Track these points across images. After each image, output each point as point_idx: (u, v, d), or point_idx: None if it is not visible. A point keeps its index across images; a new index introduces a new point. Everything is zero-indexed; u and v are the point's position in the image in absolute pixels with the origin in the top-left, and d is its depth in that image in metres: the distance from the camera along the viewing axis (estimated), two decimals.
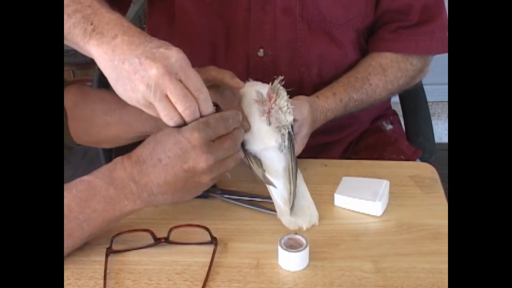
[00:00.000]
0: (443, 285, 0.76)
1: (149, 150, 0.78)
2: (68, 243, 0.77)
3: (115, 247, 0.80)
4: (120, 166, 0.78)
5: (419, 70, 1.12)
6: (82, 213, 0.77)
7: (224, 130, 0.79)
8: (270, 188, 0.87)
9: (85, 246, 0.81)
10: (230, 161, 0.81)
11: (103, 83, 1.32)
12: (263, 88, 0.89)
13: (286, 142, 0.88)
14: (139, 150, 0.79)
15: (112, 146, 1.09)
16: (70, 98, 0.96)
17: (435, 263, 0.79)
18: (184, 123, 0.78)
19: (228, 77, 0.86)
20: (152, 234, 0.81)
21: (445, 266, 0.78)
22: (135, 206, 0.79)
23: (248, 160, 0.89)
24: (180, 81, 0.75)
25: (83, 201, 0.77)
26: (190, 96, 0.76)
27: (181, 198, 0.81)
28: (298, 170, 0.90)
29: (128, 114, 0.92)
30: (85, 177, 0.79)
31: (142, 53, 0.75)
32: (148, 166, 0.78)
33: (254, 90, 0.89)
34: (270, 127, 0.87)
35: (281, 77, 0.88)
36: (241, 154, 0.88)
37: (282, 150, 0.88)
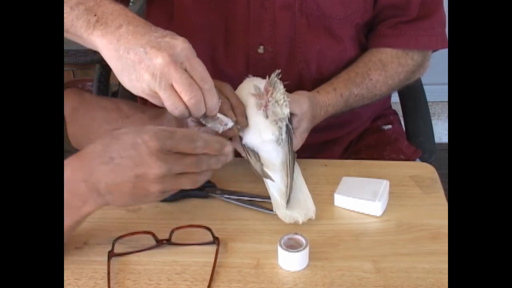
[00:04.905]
0: (443, 285, 0.76)
1: (102, 146, 0.74)
2: None
3: (116, 249, 0.80)
4: (69, 168, 0.73)
5: (419, 65, 1.12)
6: None
7: (188, 149, 0.74)
8: (267, 182, 0.88)
9: (85, 246, 0.81)
10: (186, 180, 0.75)
11: (103, 83, 1.32)
12: (261, 82, 0.90)
13: (283, 135, 0.88)
14: (91, 147, 0.74)
15: None
16: (69, 103, 0.95)
17: (435, 263, 0.79)
18: (189, 113, 0.78)
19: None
20: (154, 236, 0.81)
21: (445, 266, 0.78)
22: (88, 207, 0.74)
23: (246, 154, 0.89)
24: (185, 70, 0.75)
25: None
26: (195, 85, 0.76)
27: (126, 203, 0.77)
28: (296, 164, 0.91)
29: (132, 125, 0.91)
30: None
31: (147, 42, 0.75)
32: (98, 163, 0.72)
33: (252, 84, 0.90)
34: (267, 120, 0.87)
35: (278, 71, 0.88)
36: (239, 149, 0.89)
37: (280, 143, 0.88)
